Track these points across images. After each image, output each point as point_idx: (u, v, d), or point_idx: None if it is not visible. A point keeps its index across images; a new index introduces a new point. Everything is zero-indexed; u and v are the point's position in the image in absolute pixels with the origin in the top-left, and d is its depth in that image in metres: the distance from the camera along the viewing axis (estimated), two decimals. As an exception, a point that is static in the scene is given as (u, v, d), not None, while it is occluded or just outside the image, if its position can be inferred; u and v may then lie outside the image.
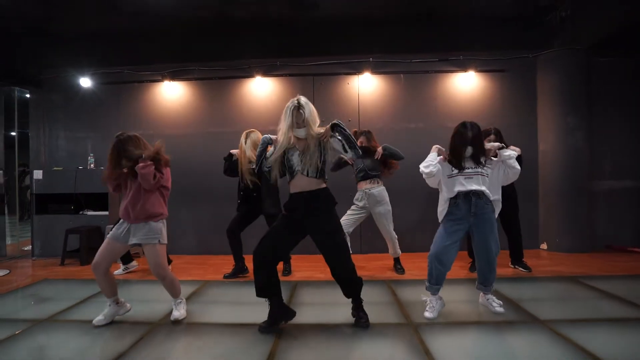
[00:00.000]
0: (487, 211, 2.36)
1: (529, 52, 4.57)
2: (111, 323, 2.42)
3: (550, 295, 2.89)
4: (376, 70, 4.66)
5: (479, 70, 4.62)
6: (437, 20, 4.52)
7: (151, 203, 2.36)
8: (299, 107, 2.14)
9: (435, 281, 2.42)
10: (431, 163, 2.41)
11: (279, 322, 2.27)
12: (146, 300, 2.90)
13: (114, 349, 2.05)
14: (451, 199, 2.39)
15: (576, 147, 4.39)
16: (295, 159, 2.19)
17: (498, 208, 2.46)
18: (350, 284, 2.29)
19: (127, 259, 3.80)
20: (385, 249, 3.69)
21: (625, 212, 4.60)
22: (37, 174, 4.58)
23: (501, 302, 2.53)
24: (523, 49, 4.57)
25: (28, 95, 4.98)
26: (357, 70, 4.66)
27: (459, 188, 2.37)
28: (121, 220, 2.40)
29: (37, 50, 4.81)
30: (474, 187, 2.35)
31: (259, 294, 2.25)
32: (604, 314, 2.46)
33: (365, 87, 4.69)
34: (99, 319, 2.39)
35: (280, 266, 3.56)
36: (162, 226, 2.41)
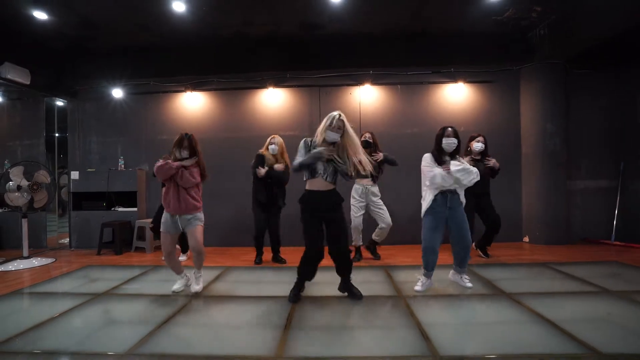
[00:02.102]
0: (459, 205, 2.89)
1: (512, 65, 5.10)
2: (158, 295, 2.97)
3: (520, 276, 3.41)
4: (375, 81, 5.20)
5: (468, 81, 5.15)
6: (430, 37, 5.06)
7: (196, 198, 2.93)
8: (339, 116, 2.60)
9: (431, 267, 2.95)
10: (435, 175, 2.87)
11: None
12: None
13: (164, 313, 2.60)
14: (431, 199, 2.89)
15: (555, 151, 4.90)
16: (319, 165, 2.64)
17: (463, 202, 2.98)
18: (347, 261, 2.80)
19: (185, 248, 4.38)
20: (384, 241, 4.19)
21: (600, 209, 5.11)
22: (74, 175, 5.17)
23: (470, 279, 3.07)
24: (507, 63, 5.10)
25: (60, 103, 5.56)
26: (358, 81, 5.21)
27: (438, 186, 2.85)
28: (169, 215, 2.90)
29: (74, 65, 5.41)
30: (450, 187, 2.85)
31: (310, 278, 2.85)
32: (561, 289, 2.98)
33: (366, 97, 5.24)
34: (176, 287, 3.01)
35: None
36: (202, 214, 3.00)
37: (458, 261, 3.02)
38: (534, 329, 2.22)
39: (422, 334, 2.15)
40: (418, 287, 2.96)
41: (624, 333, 2.14)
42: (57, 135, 5.52)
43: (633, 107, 4.91)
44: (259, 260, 4.10)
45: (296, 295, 2.81)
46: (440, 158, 2.87)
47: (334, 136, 2.60)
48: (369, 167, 2.64)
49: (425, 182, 2.94)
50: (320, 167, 2.65)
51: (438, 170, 2.81)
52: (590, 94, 5.12)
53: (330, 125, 2.58)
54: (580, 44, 4.52)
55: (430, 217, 2.90)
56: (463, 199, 2.94)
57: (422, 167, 2.93)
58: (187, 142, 2.86)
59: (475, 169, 2.85)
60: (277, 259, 4.12)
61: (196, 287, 3.01)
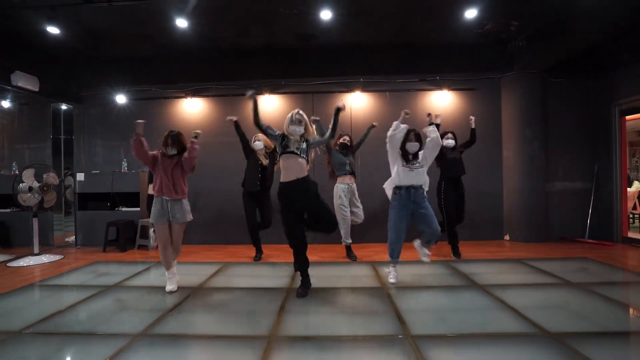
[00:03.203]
0: (424, 200, 3.19)
1: (494, 74, 5.44)
2: (163, 288, 3.25)
3: (494, 271, 3.73)
4: (365, 89, 5.52)
5: (452, 89, 5.48)
6: (416, 47, 5.38)
7: (184, 183, 3.20)
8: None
9: (396, 255, 3.27)
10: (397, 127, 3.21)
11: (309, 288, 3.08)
12: (186, 274, 3.73)
13: (171, 302, 2.90)
14: (395, 188, 3.20)
15: (533, 154, 5.24)
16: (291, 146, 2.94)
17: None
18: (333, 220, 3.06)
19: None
20: (372, 239, 4.50)
21: (576, 209, 5.44)
22: (80, 176, 5.44)
23: (429, 254, 3.36)
24: (489, 71, 5.44)
25: (66, 108, 5.83)
26: (349, 88, 5.52)
27: (403, 182, 3.16)
28: (155, 201, 3.13)
29: (79, 72, 5.68)
30: (414, 182, 3.17)
31: (307, 266, 3.08)
32: (528, 282, 3.30)
33: (357, 103, 5.55)
34: (171, 287, 3.17)
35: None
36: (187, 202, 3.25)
37: (426, 243, 3.30)
38: (498, 314, 2.54)
39: (399, 318, 2.46)
40: (393, 280, 3.28)
41: (573, 317, 2.46)
42: (63, 138, 5.79)
43: (606, 113, 5.25)
44: (258, 257, 4.36)
45: (304, 291, 3.00)
46: (407, 154, 3.22)
47: (297, 129, 2.94)
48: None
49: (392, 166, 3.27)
50: (291, 145, 2.95)
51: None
52: (566, 101, 5.46)
53: (291, 121, 2.94)
54: (556, 55, 4.86)
55: (396, 210, 3.20)
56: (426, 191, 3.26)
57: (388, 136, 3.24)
58: (171, 139, 3.11)
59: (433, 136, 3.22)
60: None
61: (169, 287, 3.16)
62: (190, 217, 3.23)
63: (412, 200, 3.17)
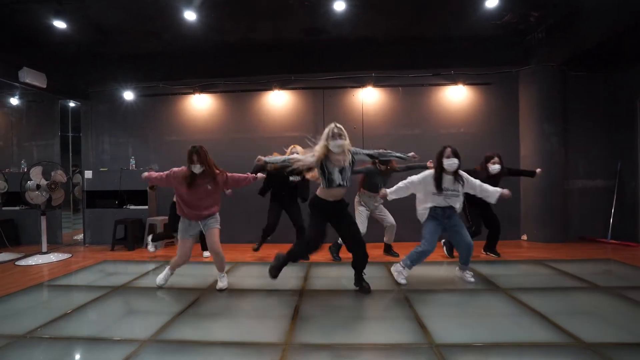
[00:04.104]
0: (456, 217, 3.14)
1: (511, 68, 5.24)
2: (172, 289, 3.16)
3: (515, 273, 3.57)
4: (378, 84, 5.36)
5: (468, 83, 5.29)
6: (430, 40, 5.19)
7: (219, 200, 3.13)
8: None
9: (417, 263, 3.19)
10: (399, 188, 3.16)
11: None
12: (194, 275, 3.65)
13: (179, 305, 2.79)
14: (430, 207, 3.12)
15: (552, 151, 5.04)
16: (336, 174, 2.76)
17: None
18: (365, 255, 2.96)
19: (157, 238, 4.54)
20: (381, 239, 4.36)
21: (597, 208, 5.24)
22: (88, 174, 5.38)
23: (473, 274, 3.27)
24: (506, 65, 5.24)
25: (74, 105, 5.77)
26: (361, 84, 5.36)
27: (437, 203, 3.10)
28: (188, 220, 3.07)
29: (87, 69, 5.61)
30: (449, 204, 3.10)
31: (295, 260, 3.03)
32: (553, 285, 3.14)
33: (368, 98, 5.39)
34: (162, 282, 3.18)
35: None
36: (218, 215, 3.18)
37: (463, 260, 3.23)
38: (526, 321, 2.38)
39: (420, 325, 2.33)
40: (403, 281, 3.17)
41: (608, 325, 2.30)
42: (70, 135, 5.74)
43: (630, 108, 5.02)
44: (257, 247, 4.30)
45: (278, 272, 2.96)
46: (441, 181, 3.05)
47: (340, 143, 2.73)
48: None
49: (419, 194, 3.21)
50: (337, 175, 2.75)
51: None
52: (587, 96, 5.25)
53: (332, 135, 2.72)
54: (577, 47, 4.64)
55: (433, 223, 3.13)
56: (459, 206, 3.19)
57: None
58: (196, 156, 2.92)
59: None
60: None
61: (220, 284, 3.14)
62: (219, 224, 3.15)
63: (446, 216, 3.13)
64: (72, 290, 3.25)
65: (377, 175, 4.03)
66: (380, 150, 3.02)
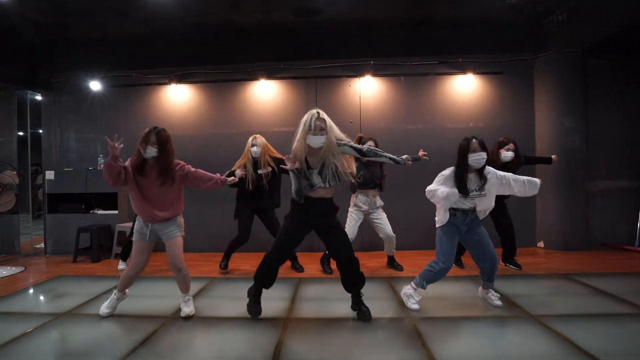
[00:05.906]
0: (480, 223, 2.57)
1: (526, 55, 4.68)
2: (126, 316, 2.56)
3: (542, 292, 3.01)
4: (377, 72, 4.78)
5: (478, 72, 4.73)
6: (436, 23, 4.64)
7: (180, 201, 2.55)
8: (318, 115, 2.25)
9: (433, 282, 2.61)
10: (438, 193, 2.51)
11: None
12: (157, 296, 3.05)
13: (131, 341, 2.20)
14: (451, 209, 2.53)
15: (572, 148, 4.50)
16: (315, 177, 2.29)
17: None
18: (358, 272, 2.43)
19: (126, 256, 3.90)
20: (381, 247, 3.81)
21: (621, 212, 4.72)
22: (49, 174, 4.75)
23: (499, 296, 2.69)
24: (520, 52, 4.69)
25: (39, 98, 5.14)
26: (358, 72, 4.79)
27: (460, 205, 2.52)
28: (142, 221, 2.50)
29: (48, 55, 4.98)
30: (473, 206, 2.54)
31: (267, 286, 2.50)
32: (594, 310, 2.58)
33: (367, 89, 4.82)
34: (106, 311, 2.57)
35: (287, 264, 3.73)
36: (182, 220, 2.58)
37: (487, 276, 2.65)
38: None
39: (438, 375, 1.75)
40: (415, 306, 2.60)
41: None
42: (30, 131, 5.09)
43: (658, 100, 4.51)
44: (224, 265, 3.78)
45: (257, 309, 2.52)
46: (465, 181, 2.47)
47: (319, 140, 2.22)
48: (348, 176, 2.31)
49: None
50: (316, 179, 2.29)
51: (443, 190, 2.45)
52: (610, 86, 4.72)
53: (309, 129, 2.21)
54: (602, 31, 4.10)
55: (451, 231, 2.55)
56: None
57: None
58: (156, 136, 2.38)
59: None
60: (295, 266, 3.74)
61: (186, 310, 2.55)
62: (182, 232, 2.57)
63: (467, 223, 2.54)
64: (2, 320, 2.62)
65: (364, 168, 3.45)
66: (372, 147, 2.55)
